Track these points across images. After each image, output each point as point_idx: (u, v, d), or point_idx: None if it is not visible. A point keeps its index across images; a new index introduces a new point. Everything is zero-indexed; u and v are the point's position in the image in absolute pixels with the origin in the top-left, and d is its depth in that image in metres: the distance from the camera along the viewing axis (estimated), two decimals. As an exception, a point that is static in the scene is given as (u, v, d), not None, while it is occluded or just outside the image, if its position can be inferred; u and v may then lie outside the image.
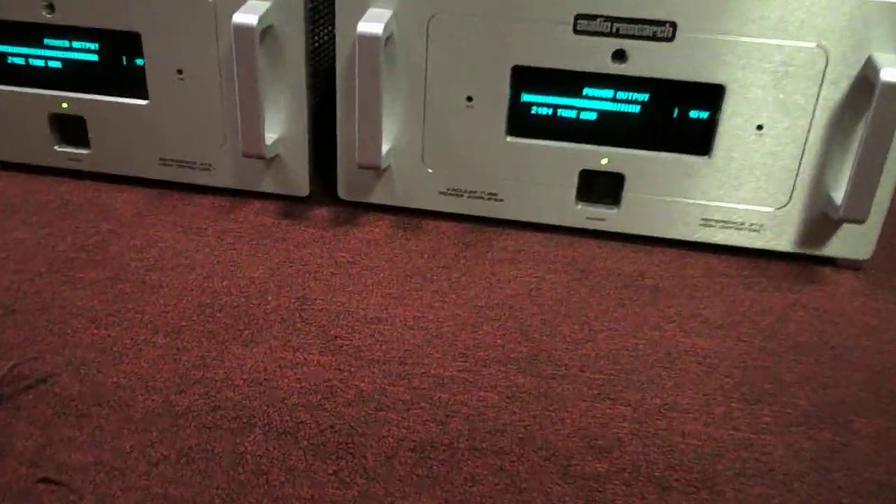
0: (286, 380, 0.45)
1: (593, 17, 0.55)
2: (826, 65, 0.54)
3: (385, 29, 0.55)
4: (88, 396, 0.44)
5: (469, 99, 0.59)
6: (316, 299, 0.53)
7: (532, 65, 0.57)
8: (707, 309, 0.54)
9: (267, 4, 0.57)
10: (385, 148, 0.60)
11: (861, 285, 0.58)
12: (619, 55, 0.56)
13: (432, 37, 0.57)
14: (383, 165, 0.60)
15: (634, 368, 0.48)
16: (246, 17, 0.56)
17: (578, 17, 0.55)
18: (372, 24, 0.55)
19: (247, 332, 0.49)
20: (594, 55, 0.56)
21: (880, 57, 0.53)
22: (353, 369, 0.47)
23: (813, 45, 0.53)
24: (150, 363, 0.46)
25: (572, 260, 0.59)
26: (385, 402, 0.44)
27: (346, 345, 0.49)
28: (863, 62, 0.53)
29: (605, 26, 0.55)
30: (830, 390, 0.47)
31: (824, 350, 0.51)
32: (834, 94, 0.55)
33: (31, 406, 0.43)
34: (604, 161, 0.59)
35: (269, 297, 0.53)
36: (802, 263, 0.60)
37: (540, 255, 0.59)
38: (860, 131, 0.55)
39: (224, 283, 0.54)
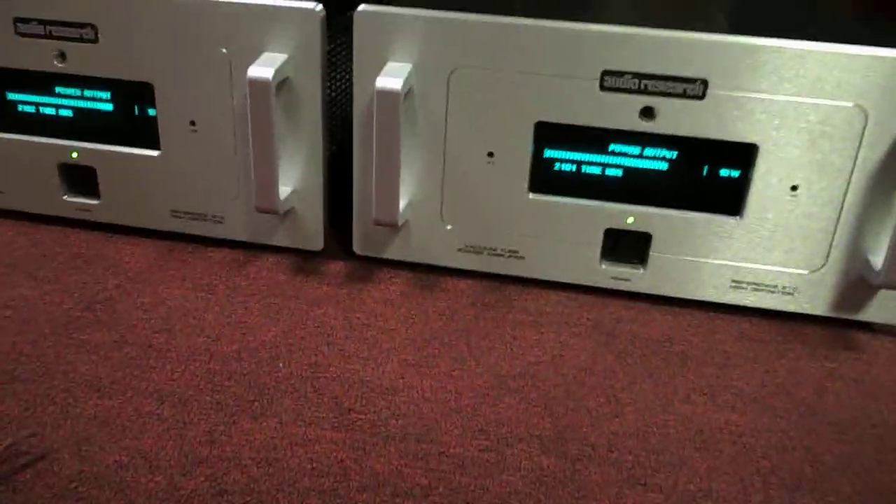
0: (297, 459, 0.43)
1: (620, 74, 0.53)
2: (865, 125, 0.51)
3: (404, 84, 0.53)
4: (89, 478, 0.41)
5: (490, 154, 0.57)
6: (329, 366, 0.51)
7: (556, 121, 0.55)
8: (740, 380, 0.51)
9: (283, 57, 0.56)
10: (402, 203, 0.58)
11: (901, 353, 0.55)
12: (648, 112, 0.54)
13: (453, 91, 0.55)
14: (400, 221, 0.58)
15: (665, 448, 0.45)
16: (261, 70, 0.54)
17: (605, 73, 0.53)
18: (391, 79, 0.53)
19: (257, 403, 0.47)
20: (621, 112, 0.54)
21: (923, 118, 0.50)
22: (367, 448, 0.44)
23: (851, 104, 0.51)
24: (155, 438, 0.44)
25: (597, 323, 0.56)
26: (402, 486, 0.42)
27: (361, 419, 0.46)
28: (904, 123, 0.51)
29: (633, 83, 0.53)
30: (875, 475, 0.44)
31: (866, 428, 0.48)
32: (873, 154, 0.52)
33: (27, 488, 0.40)
34: (630, 220, 0.57)
35: (281, 364, 0.51)
36: (838, 328, 0.57)
37: (563, 316, 0.57)
38: (901, 194, 0.53)
39: (234, 348, 0.52)
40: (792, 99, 0.52)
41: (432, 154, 0.57)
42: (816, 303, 0.57)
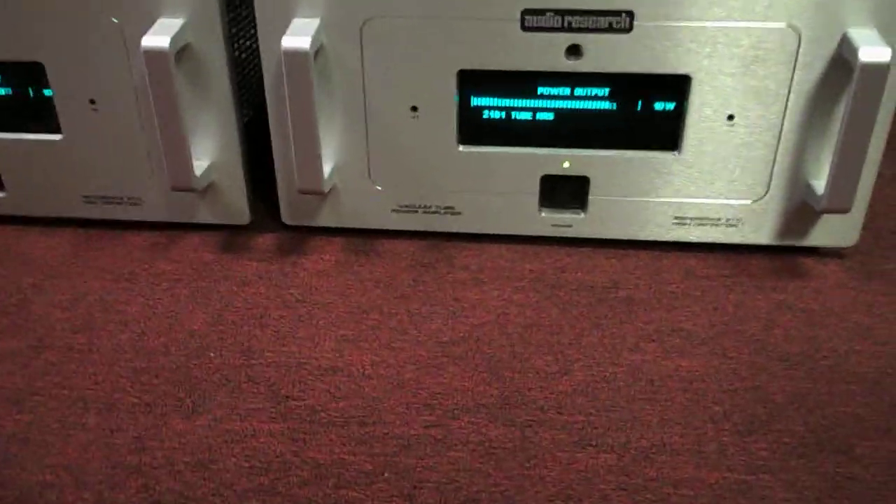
0: (234, 459, 0.41)
1: (542, 12, 0.50)
2: (798, 46, 0.49)
3: (313, 41, 0.50)
4: (10, 503, 0.39)
5: (414, 109, 0.53)
6: (264, 351, 0.48)
7: (479, 68, 0.52)
8: (688, 321, 0.50)
9: (179, 22, 0.51)
10: (327, 168, 0.55)
11: (847, 276, 0.54)
12: (574, 50, 0.51)
13: (367, 44, 0.52)
14: (327, 188, 0.55)
15: (616, 404, 0.44)
16: (156, 39, 0.50)
17: (526, 12, 0.50)
18: (298, 38, 0.49)
19: (188, 400, 0.45)
20: (546, 52, 0.51)
21: (856, 34, 0.48)
22: (307, 437, 0.42)
23: (783, 24, 0.49)
24: (81, 451, 0.41)
25: (541, 274, 0.55)
26: (345, 476, 0.40)
27: (299, 406, 0.44)
28: (837, 41, 0.49)
29: (556, 21, 0.50)
30: (827, 410, 0.44)
31: (817, 360, 0.47)
32: (809, 77, 0.50)
33: (-55, 521, 0.38)
34: (566, 164, 0.55)
35: (212, 354, 0.48)
36: (784, 256, 0.56)
37: (505, 271, 0.55)
38: (839, 115, 0.51)
39: (161, 341, 0.49)
40: (722, 24, 0.49)
41: (353, 113, 0.54)
42: (761, 232, 0.56)
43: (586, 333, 0.49)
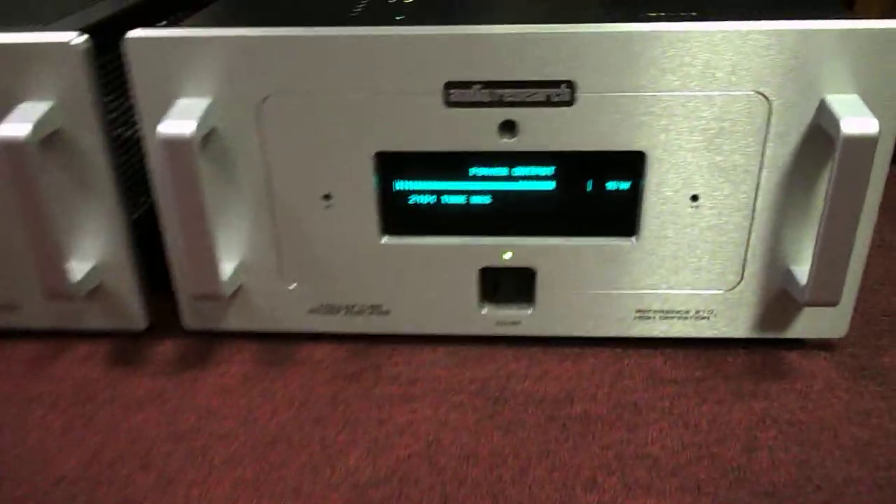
0: None
1: (467, 85, 0.42)
2: (769, 115, 0.42)
3: (200, 125, 0.42)
4: None
5: (327, 197, 0.46)
6: (143, 502, 0.40)
7: (398, 149, 0.44)
8: (655, 443, 0.42)
9: (44, 107, 0.44)
10: (229, 267, 0.47)
11: (838, 374, 0.47)
12: (508, 127, 0.43)
13: (268, 125, 0.44)
14: (228, 291, 0.47)
15: (567, 566, 0.36)
16: (13, 128, 0.42)
17: (449, 85, 0.42)
18: (179, 122, 0.42)
19: (38, 580, 0.36)
20: (476, 131, 0.43)
21: (836, 101, 0.41)
22: None
23: (749, 91, 0.42)
24: None
25: (483, 385, 0.47)
26: None
27: (175, 584, 0.36)
28: (814, 108, 0.42)
29: (485, 95, 0.42)
30: (825, 564, 0.36)
31: (808, 493, 0.39)
32: (783, 150, 0.43)
33: None
34: (507, 255, 0.47)
35: (79, 509, 0.40)
36: (764, 351, 0.49)
37: (441, 381, 0.47)
38: (820, 192, 0.44)
39: (18, 494, 0.40)
40: (678, 93, 0.42)
41: (258, 204, 0.46)
42: (736, 325, 0.48)
43: (533, 465, 0.41)
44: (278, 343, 0.50)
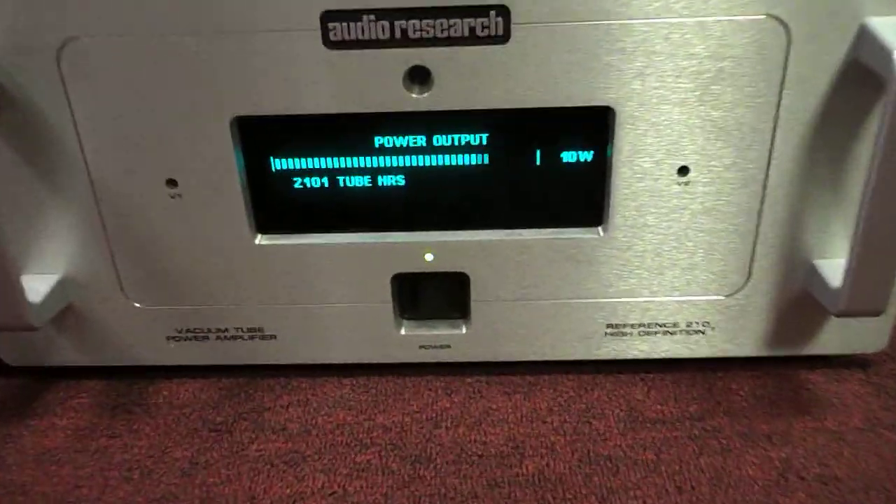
0: None
1: (354, 16, 0.29)
2: (787, 49, 0.30)
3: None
4: None
5: (172, 183, 0.33)
6: None
7: (268, 112, 0.31)
8: (636, 520, 0.30)
9: None
10: (44, 285, 0.34)
11: (879, 403, 0.35)
12: (419, 76, 0.31)
13: (73, 83, 0.31)
14: (41, 318, 0.34)
15: None
16: None
17: (328, 17, 0.29)
18: (-67, 80, 0.29)
19: None
20: (373, 84, 0.30)
21: (884, 25, 0.29)
22: None
23: (760, 16, 0.29)
24: None
25: (399, 435, 0.34)
26: None
27: None
28: (851, 38, 0.30)
29: (381, 29, 0.30)
30: None
31: (859, 593, 0.27)
32: (806, 100, 0.30)
33: None
34: (428, 256, 0.34)
35: None
36: (779, 372, 0.37)
37: (344, 431, 0.34)
38: (859, 159, 0.31)
39: None
40: (659, 20, 0.29)
41: (78, 196, 0.33)
42: (742, 340, 0.36)
43: (464, 560, 0.29)
44: (130, 380, 0.37)
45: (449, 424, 0.35)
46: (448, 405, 0.36)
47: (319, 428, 0.35)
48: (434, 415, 0.35)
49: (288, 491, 0.31)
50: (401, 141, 0.33)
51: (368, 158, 0.33)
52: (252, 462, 0.33)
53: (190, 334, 0.36)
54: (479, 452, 0.33)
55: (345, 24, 0.29)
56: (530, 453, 0.33)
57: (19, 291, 0.32)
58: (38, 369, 0.38)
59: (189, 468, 0.33)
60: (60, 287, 0.35)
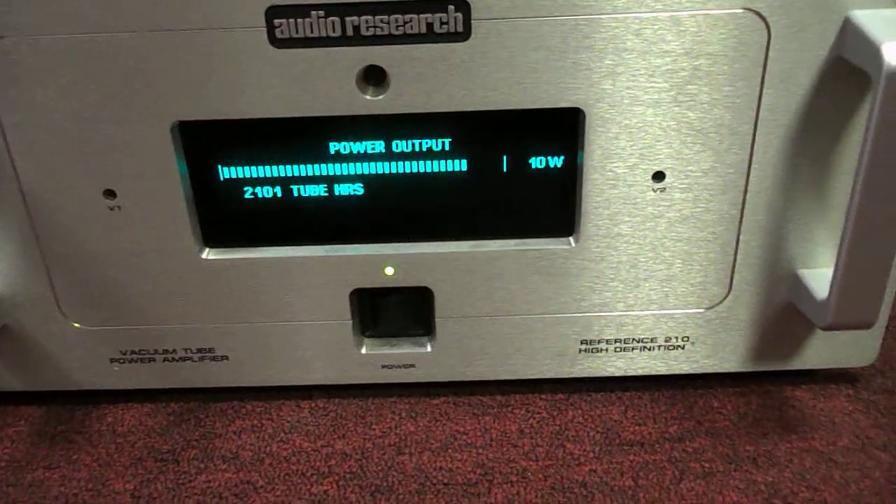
0: None
1: (302, 11, 0.27)
2: (767, 44, 0.28)
3: None
4: None
5: (110, 194, 0.31)
6: None
7: (210, 117, 0.29)
8: (613, 552, 0.28)
9: None
10: (-25, 305, 0.32)
11: (870, 422, 0.33)
12: (374, 76, 0.29)
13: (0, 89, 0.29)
14: (-28, 342, 0.31)
15: None
16: None
17: (273, 12, 0.27)
18: None
19: None
20: (325, 85, 0.28)
21: (869, 18, 0.27)
22: None
23: (739, 10, 0.27)
24: None
25: (359, 463, 0.32)
26: None
27: None
28: (835, 32, 0.28)
29: (330, 26, 0.27)
30: None
31: None
32: (787, 97, 0.28)
33: None
34: (389, 270, 0.32)
35: None
36: (763, 390, 0.34)
37: (301, 459, 0.32)
38: (845, 155, 0.30)
39: None
40: (631, 14, 0.27)
41: (8, 210, 0.31)
42: (723, 355, 0.34)
43: None
44: (71, 406, 0.35)
45: (413, 450, 0.32)
46: (413, 429, 0.33)
47: (273, 455, 0.32)
48: (397, 440, 0.33)
49: (237, 526, 0.29)
50: (358, 147, 0.30)
51: (323, 166, 0.31)
52: (199, 495, 0.31)
53: (135, 356, 0.34)
54: (445, 480, 0.31)
55: (292, 20, 0.27)
56: (499, 480, 0.31)
57: (-58, 313, 0.29)
58: (-27, 395, 0.35)
59: (131, 502, 0.30)
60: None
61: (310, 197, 0.31)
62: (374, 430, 0.33)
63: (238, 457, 0.32)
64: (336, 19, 0.27)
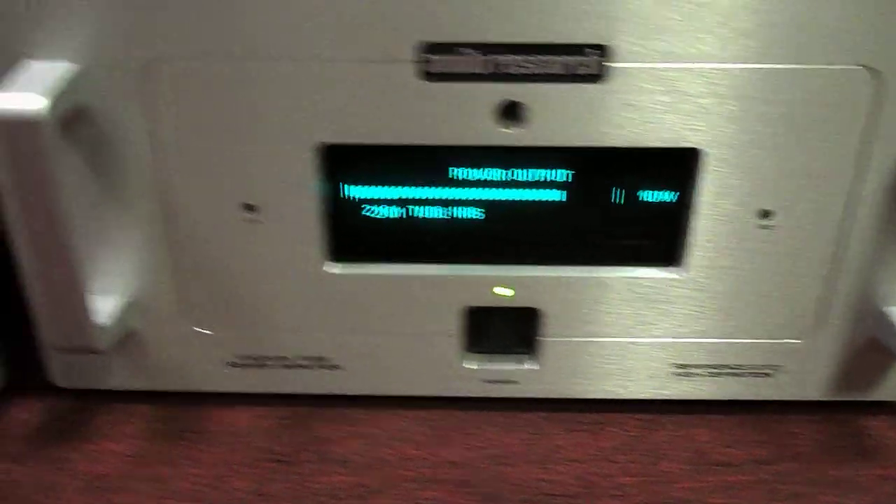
0: None
1: (453, 49, 0.29)
2: (880, 99, 0.30)
3: (59, 100, 0.28)
4: None
5: (248, 208, 0.32)
6: None
7: (352, 141, 0.31)
8: (717, 565, 0.30)
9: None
10: (111, 308, 0.33)
11: (946, 452, 0.35)
12: (511, 112, 0.30)
13: (159, 104, 0.30)
14: (108, 342, 0.33)
15: None
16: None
17: (428, 49, 0.29)
18: (25, 95, 0.28)
19: None
20: (464, 114, 0.30)
21: (979, 79, 0.29)
22: None
23: (856, 67, 0.29)
24: None
25: (468, 471, 0.34)
26: None
27: None
28: (945, 90, 0.30)
29: (478, 63, 0.29)
30: None
31: None
32: (892, 149, 0.31)
33: None
34: (502, 291, 0.34)
35: None
36: (839, 417, 0.36)
37: (409, 465, 0.33)
38: (943, 209, 0.32)
39: None
40: (752, 66, 0.29)
41: (151, 218, 0.32)
42: (807, 384, 0.36)
43: None
44: (184, 406, 0.37)
45: (514, 463, 0.34)
46: (511, 443, 0.35)
47: (384, 462, 0.34)
48: (498, 454, 0.34)
49: (358, 529, 0.31)
50: (479, 174, 0.32)
51: (446, 190, 0.33)
52: (317, 495, 0.32)
53: (249, 361, 0.36)
54: (549, 491, 0.33)
55: (443, 56, 0.29)
56: (600, 493, 0.33)
57: (88, 313, 0.31)
58: (87, 392, 0.37)
59: (253, 499, 0.32)
60: (128, 310, 0.34)
61: (431, 218, 0.33)
62: (476, 444, 0.35)
63: (350, 461, 0.34)
64: (484, 57, 0.29)
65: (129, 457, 0.34)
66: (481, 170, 0.32)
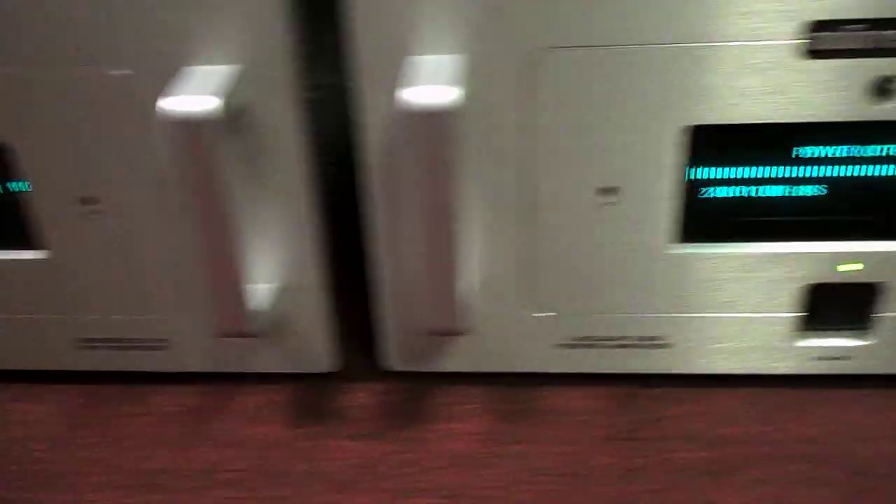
0: None
1: (838, 26, 0.30)
2: None
3: (460, 94, 0.30)
4: None
5: (607, 191, 0.33)
6: None
7: (724, 121, 0.32)
8: None
9: (222, 73, 0.31)
10: (470, 286, 0.35)
11: None
12: (883, 87, 0.31)
13: (538, 92, 0.31)
14: (465, 325, 0.34)
15: None
16: (187, 103, 0.30)
17: (817, 27, 0.30)
18: (438, 89, 0.29)
19: None
20: (836, 91, 0.31)
21: None
22: None
23: None
24: None
25: (819, 448, 0.34)
26: None
27: None
28: None
29: (858, 39, 0.30)
30: None
31: None
32: None
33: None
34: (847, 267, 0.34)
35: None
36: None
37: (760, 441, 0.34)
38: None
39: None
40: None
41: (509, 198, 0.34)
42: None
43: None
44: (516, 388, 0.38)
45: (865, 439, 0.34)
46: (853, 419, 0.35)
47: (729, 438, 0.35)
48: (844, 428, 0.35)
49: (741, 501, 0.31)
50: (834, 151, 0.33)
51: (791, 168, 0.33)
52: (681, 471, 0.33)
53: (579, 341, 0.37)
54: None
55: (828, 33, 0.29)
56: (960, 467, 0.33)
57: (470, 301, 0.32)
58: (413, 374, 0.38)
59: (624, 474, 0.33)
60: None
61: (774, 197, 0.34)
62: (814, 418, 0.35)
63: (697, 437, 0.35)
64: (867, 33, 0.29)
65: (481, 435, 0.35)
66: (835, 146, 0.33)
